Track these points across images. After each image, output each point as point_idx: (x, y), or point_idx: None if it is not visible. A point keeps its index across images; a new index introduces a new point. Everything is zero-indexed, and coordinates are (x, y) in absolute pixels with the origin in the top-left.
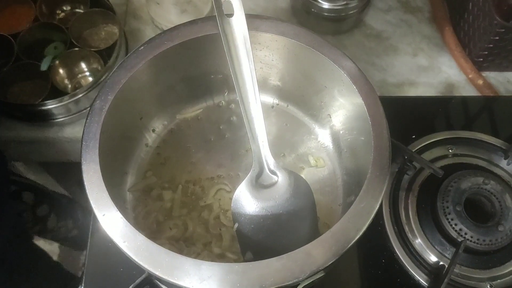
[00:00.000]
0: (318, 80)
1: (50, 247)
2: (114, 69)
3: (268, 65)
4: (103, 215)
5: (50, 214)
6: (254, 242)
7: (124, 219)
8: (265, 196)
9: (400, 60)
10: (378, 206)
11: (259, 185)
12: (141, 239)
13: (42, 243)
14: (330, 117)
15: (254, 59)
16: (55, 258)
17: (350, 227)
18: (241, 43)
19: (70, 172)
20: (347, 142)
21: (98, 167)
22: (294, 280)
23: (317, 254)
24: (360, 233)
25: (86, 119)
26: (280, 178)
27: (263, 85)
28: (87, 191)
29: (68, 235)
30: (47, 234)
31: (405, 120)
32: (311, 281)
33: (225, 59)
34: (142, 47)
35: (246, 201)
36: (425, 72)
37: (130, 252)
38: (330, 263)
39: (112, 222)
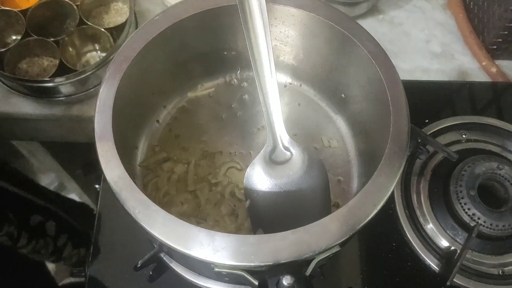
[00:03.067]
0: (334, 58)
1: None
2: (128, 38)
3: (283, 42)
4: (116, 182)
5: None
6: (266, 219)
7: (138, 188)
8: (278, 172)
9: (412, 46)
10: (396, 182)
11: (273, 161)
12: (154, 209)
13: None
14: (344, 97)
15: None
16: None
17: (367, 202)
18: (258, 14)
19: (76, 154)
20: (361, 123)
21: (111, 136)
22: (310, 254)
23: (333, 228)
24: (378, 208)
25: (100, 87)
26: (294, 155)
27: (276, 64)
28: (100, 158)
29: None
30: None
31: (418, 104)
32: (326, 255)
33: (239, 35)
34: (157, 17)
35: (259, 178)
36: (438, 59)
37: (143, 221)
38: (346, 237)
39: (125, 191)
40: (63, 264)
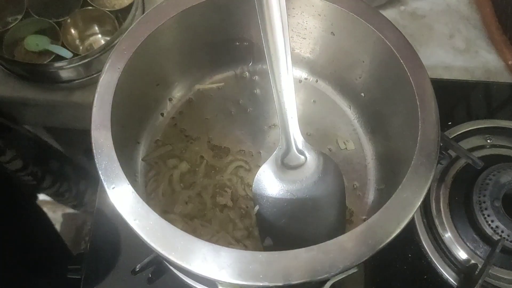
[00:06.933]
0: (355, 53)
1: (53, 215)
2: (133, 25)
3: (300, 35)
4: (113, 187)
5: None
6: (275, 227)
7: (136, 194)
8: (291, 177)
9: (435, 41)
10: (422, 198)
11: (285, 165)
12: (153, 218)
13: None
14: (364, 96)
15: None
16: (57, 227)
17: (390, 219)
18: (275, 3)
19: (77, 140)
20: (382, 125)
21: (109, 134)
22: (324, 275)
23: (351, 247)
24: (402, 227)
25: (99, 78)
26: (309, 159)
27: (292, 57)
28: (96, 160)
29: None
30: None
31: (440, 105)
32: (342, 277)
33: (252, 24)
34: (165, 3)
35: (270, 182)
36: (461, 55)
37: (141, 231)
38: (365, 258)
39: (122, 196)
40: (84, 212)
